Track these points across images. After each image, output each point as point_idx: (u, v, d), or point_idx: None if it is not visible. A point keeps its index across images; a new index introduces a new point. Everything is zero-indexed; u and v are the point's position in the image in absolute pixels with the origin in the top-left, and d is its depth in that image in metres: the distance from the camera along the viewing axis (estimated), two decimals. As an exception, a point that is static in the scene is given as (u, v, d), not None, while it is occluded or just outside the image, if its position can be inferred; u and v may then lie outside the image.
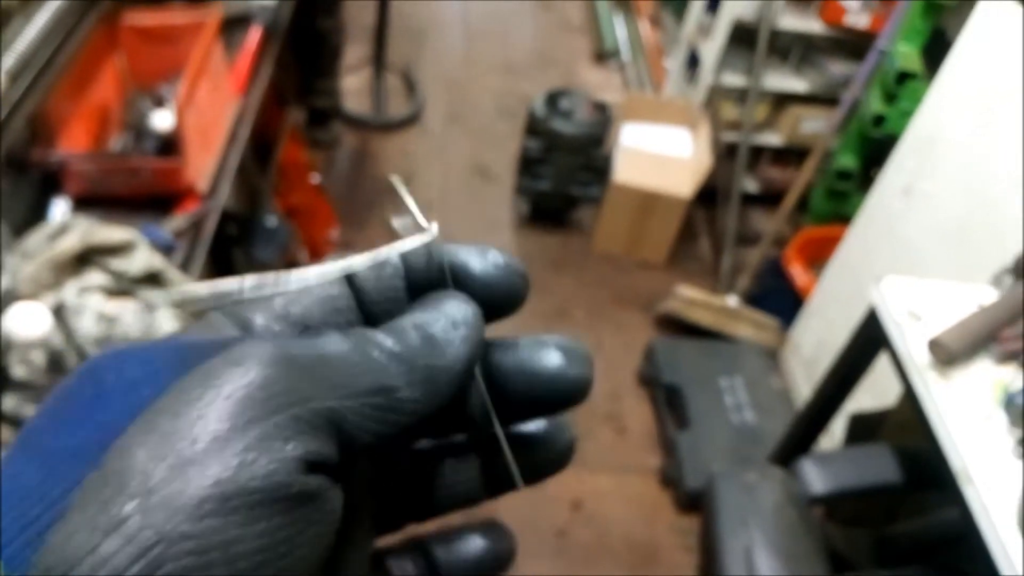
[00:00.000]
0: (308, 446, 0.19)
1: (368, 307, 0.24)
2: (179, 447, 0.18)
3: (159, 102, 1.48)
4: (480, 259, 0.25)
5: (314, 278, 0.24)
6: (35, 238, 1.17)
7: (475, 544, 0.26)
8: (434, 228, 0.25)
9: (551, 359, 0.25)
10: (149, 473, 0.18)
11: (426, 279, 0.25)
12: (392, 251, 0.24)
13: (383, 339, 0.22)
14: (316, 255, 2.41)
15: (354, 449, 0.20)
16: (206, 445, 0.18)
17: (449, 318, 0.23)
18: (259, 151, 2.05)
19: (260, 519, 0.18)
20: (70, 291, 1.11)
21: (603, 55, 3.70)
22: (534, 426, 0.26)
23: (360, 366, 0.21)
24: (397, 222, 0.26)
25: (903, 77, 2.20)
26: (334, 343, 0.21)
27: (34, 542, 0.18)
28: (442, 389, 0.22)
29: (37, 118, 1.32)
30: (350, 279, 0.24)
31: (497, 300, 0.25)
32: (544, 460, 0.26)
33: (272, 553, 0.18)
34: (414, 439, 0.26)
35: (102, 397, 0.20)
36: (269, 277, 0.23)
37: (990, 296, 1.32)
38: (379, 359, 0.21)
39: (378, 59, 3.13)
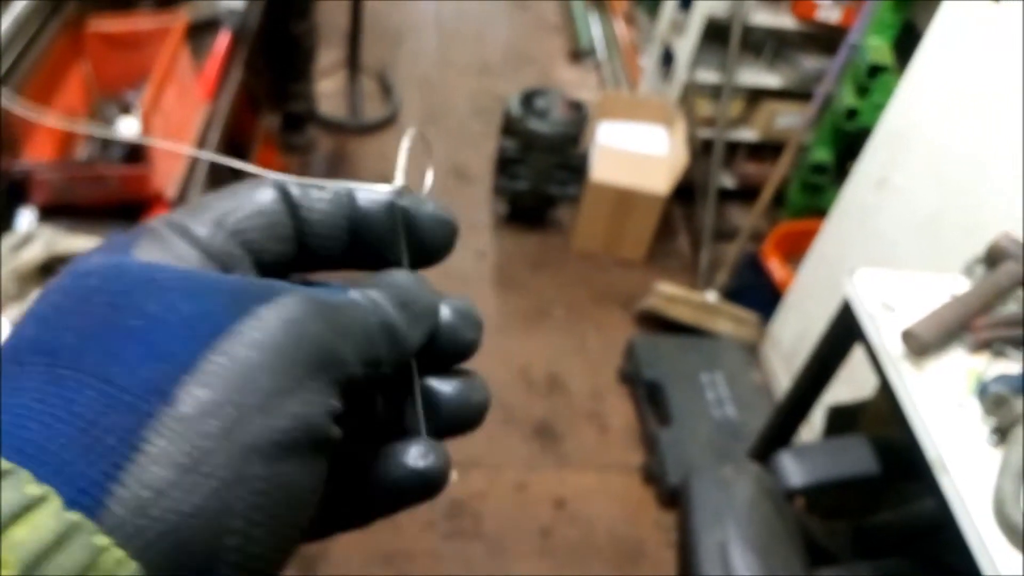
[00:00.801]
0: (336, 400, 0.22)
1: (306, 234, 0.26)
2: (248, 393, 0.19)
3: (126, 109, 1.46)
4: (429, 218, 0.28)
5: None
6: (-1, 249, 1.16)
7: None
8: (398, 183, 0.28)
9: (443, 314, 0.27)
10: (224, 417, 0.19)
11: (372, 224, 0.27)
12: (359, 187, 0.27)
13: (381, 309, 0.24)
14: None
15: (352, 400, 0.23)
16: (270, 395, 0.20)
17: (417, 301, 0.26)
18: (233, 156, 2.03)
19: (308, 462, 0.20)
20: (35, 302, 1.09)
21: (579, 54, 3.70)
22: (449, 385, 0.27)
23: (367, 335, 0.23)
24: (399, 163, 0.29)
25: (874, 71, 2.22)
26: (353, 307, 0.24)
27: (111, 474, 0.17)
28: (401, 367, 0.25)
29: (2, 127, 1.30)
30: (292, 204, 0.26)
31: (434, 249, 0.28)
32: (457, 417, 0.27)
33: (315, 490, 0.21)
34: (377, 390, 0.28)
35: (158, 329, 0.20)
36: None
37: (962, 286, 1.33)
38: (376, 331, 0.24)
39: (353, 62, 3.12)
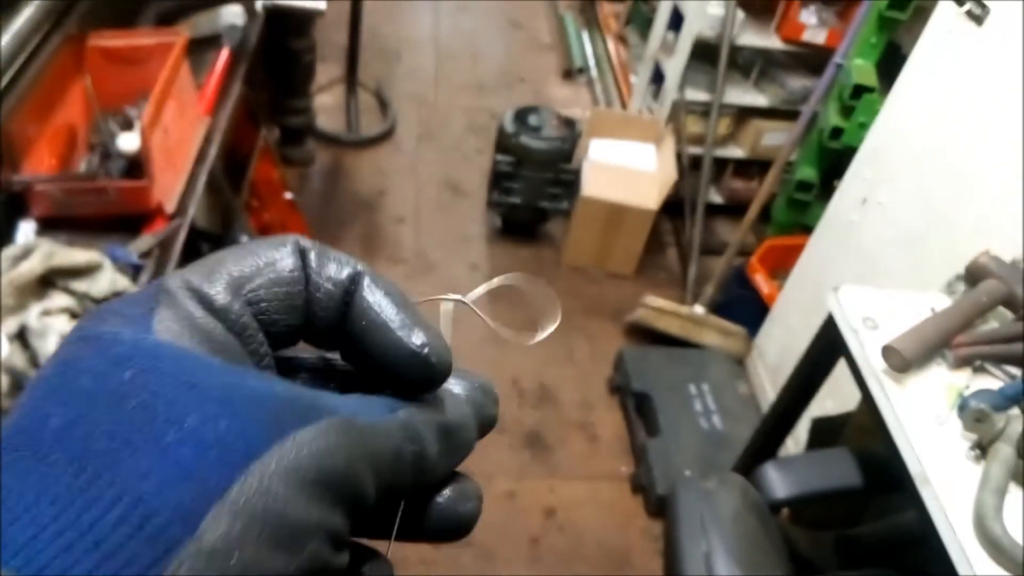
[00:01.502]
0: (346, 532, 0.21)
1: (312, 304, 0.25)
2: (271, 526, 0.19)
3: (126, 123, 1.48)
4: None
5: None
6: (-1, 261, 1.17)
7: None
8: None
9: (417, 338, 0.25)
10: (247, 552, 0.18)
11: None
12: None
13: (421, 438, 0.24)
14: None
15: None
16: (292, 532, 0.19)
17: (458, 433, 0.26)
18: (232, 169, 2.06)
19: None
20: (33, 314, 1.11)
21: (571, 72, 3.75)
22: (441, 497, 0.27)
23: (396, 464, 0.23)
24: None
25: (859, 91, 2.27)
26: (393, 432, 0.23)
27: None
28: (457, 464, 0.26)
29: (2, 140, 1.32)
30: (309, 269, 0.25)
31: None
32: (444, 526, 0.27)
33: None
34: None
35: (193, 448, 0.19)
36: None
37: (943, 303, 1.36)
38: (409, 461, 0.24)
39: (351, 78, 3.16)
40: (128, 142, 1.41)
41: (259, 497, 0.19)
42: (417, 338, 0.25)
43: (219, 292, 0.23)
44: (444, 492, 0.27)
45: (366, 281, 0.25)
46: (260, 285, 0.24)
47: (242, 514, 0.18)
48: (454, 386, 0.28)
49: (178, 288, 0.23)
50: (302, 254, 0.25)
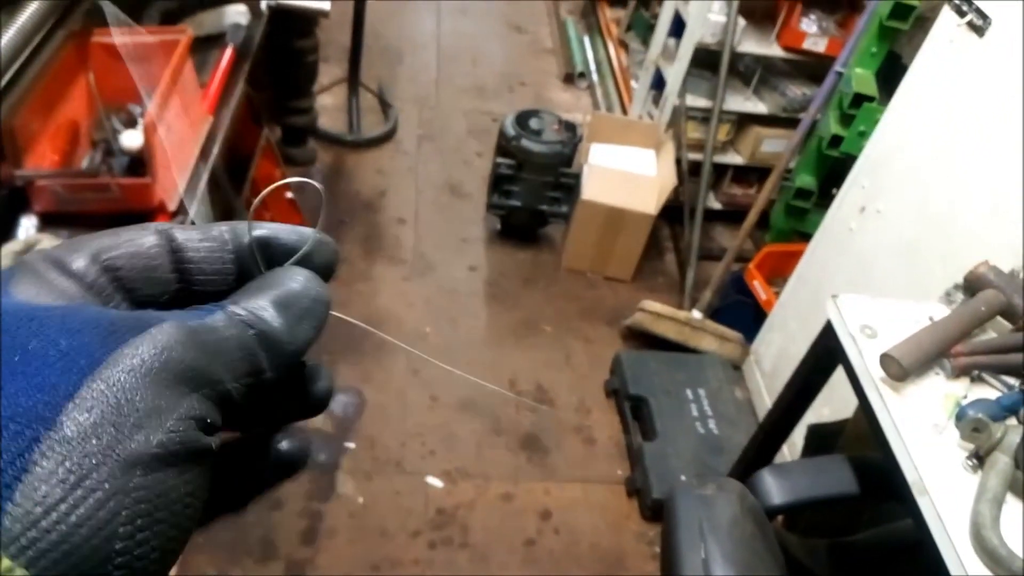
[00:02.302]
0: (211, 414, 0.24)
1: (192, 273, 0.28)
2: (126, 414, 0.21)
3: (130, 120, 1.48)
4: (292, 235, 0.30)
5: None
6: None
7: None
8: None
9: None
10: (105, 435, 0.21)
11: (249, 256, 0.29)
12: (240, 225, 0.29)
13: (254, 320, 0.26)
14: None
15: (231, 410, 0.25)
16: (146, 414, 0.22)
17: (301, 297, 0.28)
18: (234, 168, 2.06)
19: (186, 471, 0.23)
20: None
21: (572, 76, 3.76)
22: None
23: (242, 350, 0.26)
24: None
25: (859, 100, 2.28)
26: (222, 325, 0.26)
27: (3, 494, 0.19)
28: (289, 366, 0.28)
29: (4, 135, 1.31)
30: (175, 248, 0.28)
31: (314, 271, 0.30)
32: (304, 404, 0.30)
33: (194, 496, 0.23)
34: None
35: (38, 363, 0.22)
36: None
37: (941, 312, 1.37)
38: (253, 343, 0.26)
39: (353, 79, 3.16)
40: (131, 139, 1.41)
41: (108, 391, 0.21)
42: (307, 230, 0.30)
43: (75, 258, 0.26)
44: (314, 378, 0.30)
45: (236, 224, 0.29)
46: (118, 256, 0.27)
47: (95, 407, 0.21)
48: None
49: (37, 259, 0.26)
50: (166, 233, 0.28)
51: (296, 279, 0.28)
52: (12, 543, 0.19)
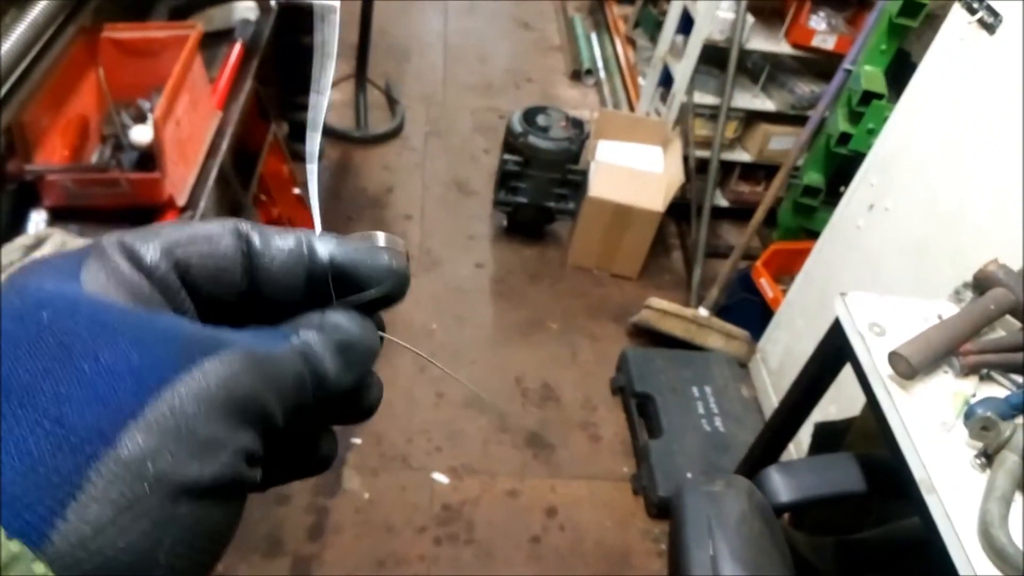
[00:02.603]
0: (258, 448, 0.24)
1: (263, 281, 0.28)
2: (184, 442, 0.21)
3: (139, 116, 1.49)
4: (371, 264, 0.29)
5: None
6: (8, 250, 1.18)
7: None
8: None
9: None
10: (161, 462, 0.21)
11: (322, 276, 0.29)
12: (321, 236, 0.29)
13: (316, 359, 0.27)
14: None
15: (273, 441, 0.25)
16: (204, 445, 0.22)
17: (358, 346, 0.28)
18: (242, 164, 2.06)
19: (232, 503, 0.23)
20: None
21: (580, 73, 3.76)
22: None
23: (298, 386, 0.26)
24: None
25: (868, 97, 2.27)
26: (288, 358, 0.26)
27: (55, 510, 0.19)
28: (361, 376, 0.28)
29: (15, 130, 1.32)
30: (251, 253, 0.27)
31: (385, 299, 0.30)
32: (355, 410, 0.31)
33: (231, 526, 0.23)
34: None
35: (107, 376, 0.21)
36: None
37: (950, 311, 1.36)
38: (308, 381, 0.26)
39: (360, 75, 3.16)
40: (141, 134, 1.41)
41: (171, 416, 0.21)
42: (385, 257, 0.29)
43: (149, 251, 0.26)
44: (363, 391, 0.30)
45: (314, 239, 0.28)
46: (192, 253, 0.26)
47: (156, 431, 0.21)
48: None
49: (111, 244, 0.26)
50: (244, 237, 0.27)
51: (360, 326, 0.28)
52: (58, 560, 0.19)
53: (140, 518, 0.20)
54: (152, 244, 0.26)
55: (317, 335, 0.27)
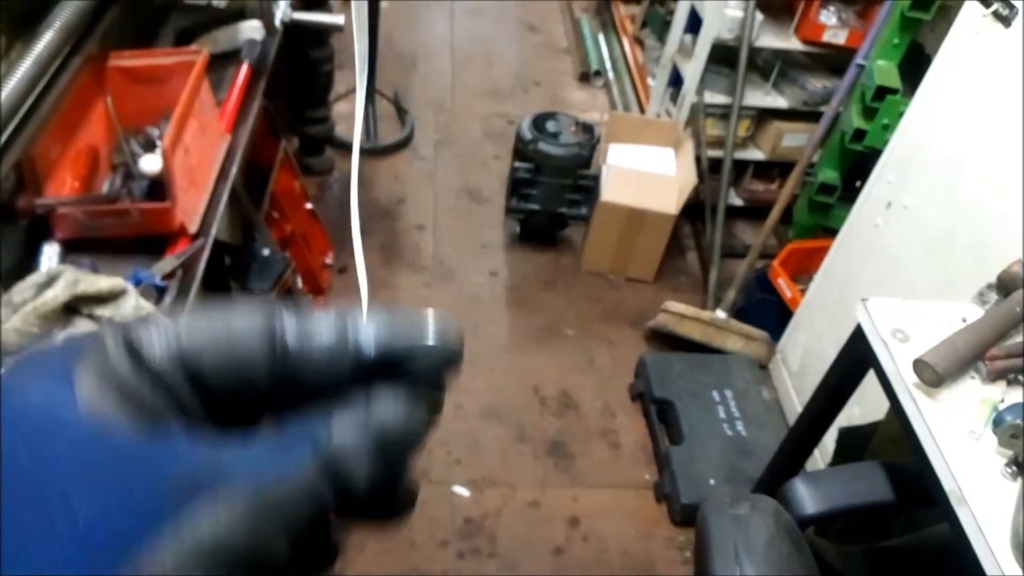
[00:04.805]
0: None
1: (298, 377, 0.25)
2: None
3: (148, 144, 1.49)
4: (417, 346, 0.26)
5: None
6: (21, 288, 1.17)
7: None
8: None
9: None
10: None
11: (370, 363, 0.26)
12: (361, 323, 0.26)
13: (343, 473, 0.23)
14: (311, 281, 2.42)
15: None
16: None
17: (398, 443, 0.24)
18: (253, 181, 2.06)
19: None
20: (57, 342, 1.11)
21: (588, 75, 3.74)
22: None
23: (314, 507, 0.23)
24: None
25: (882, 92, 2.23)
26: (306, 481, 0.23)
27: None
28: (400, 471, 0.25)
29: (24, 164, 1.32)
30: (285, 351, 0.25)
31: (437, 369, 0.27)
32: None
33: None
34: None
35: (78, 531, 0.19)
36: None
37: (975, 313, 1.33)
38: (328, 499, 0.23)
39: (368, 86, 3.16)
40: (150, 163, 1.41)
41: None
42: (429, 332, 0.26)
43: (156, 351, 0.23)
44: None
45: (359, 329, 0.25)
46: (207, 356, 0.24)
47: None
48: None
49: (112, 339, 0.23)
50: (279, 339, 0.25)
51: (408, 411, 0.25)
52: None
53: None
54: (160, 343, 0.23)
55: (355, 432, 0.24)
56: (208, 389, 0.24)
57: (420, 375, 0.26)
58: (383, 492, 0.25)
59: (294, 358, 0.25)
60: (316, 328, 0.25)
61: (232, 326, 0.25)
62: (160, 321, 0.24)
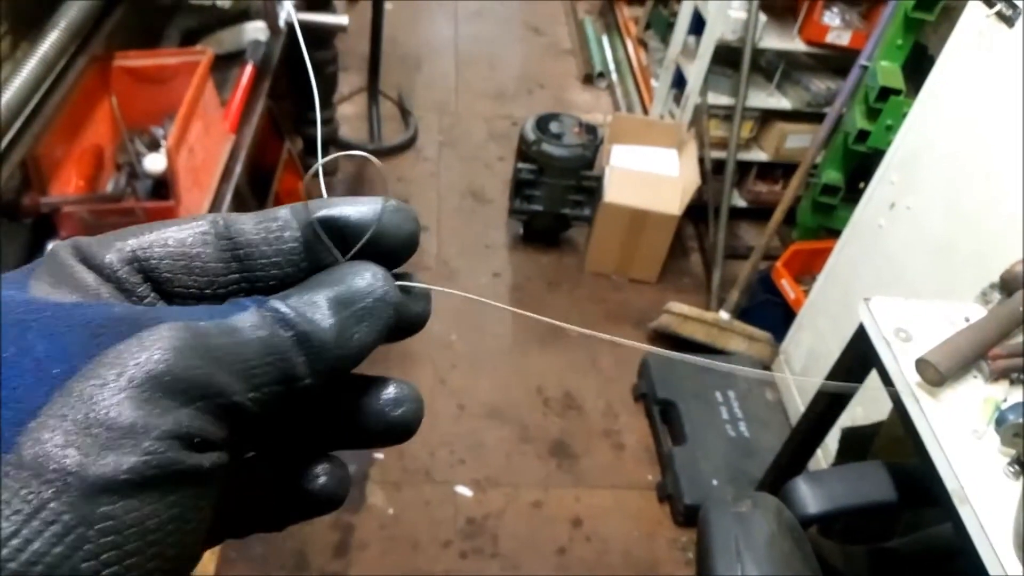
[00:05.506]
0: (207, 430, 0.21)
1: (249, 260, 0.25)
2: (95, 434, 0.19)
3: (153, 143, 1.49)
4: (360, 209, 0.26)
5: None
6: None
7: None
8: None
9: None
10: (65, 459, 0.18)
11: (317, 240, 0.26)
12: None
13: (295, 319, 0.23)
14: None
15: (246, 422, 0.22)
16: (121, 433, 0.19)
17: (362, 297, 0.24)
18: (257, 182, 2.07)
19: (170, 495, 0.20)
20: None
21: (592, 77, 3.74)
22: (377, 396, 0.27)
23: (270, 353, 0.22)
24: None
25: (885, 93, 2.23)
26: (247, 325, 0.22)
27: None
28: (341, 375, 0.24)
29: (29, 163, 1.33)
30: (228, 231, 0.25)
31: (392, 248, 0.27)
32: (380, 431, 0.27)
33: (184, 522, 0.20)
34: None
35: (9, 373, 0.19)
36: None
37: (977, 313, 1.33)
38: (288, 346, 0.23)
39: (372, 87, 3.17)
40: (154, 163, 1.42)
41: (77, 406, 0.19)
42: (380, 208, 0.26)
43: (103, 249, 0.24)
44: (375, 398, 0.26)
45: (314, 205, 0.26)
46: (152, 245, 0.24)
47: (60, 426, 0.19)
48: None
49: (64, 248, 0.24)
50: (216, 223, 0.25)
51: (362, 275, 0.25)
52: None
53: (48, 526, 0.18)
54: (108, 243, 0.24)
55: (308, 292, 0.24)
56: (172, 292, 0.25)
57: (379, 253, 0.26)
58: (353, 356, 0.24)
59: (241, 235, 0.25)
60: (262, 213, 0.26)
61: (176, 222, 0.25)
62: (111, 232, 0.25)
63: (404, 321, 0.27)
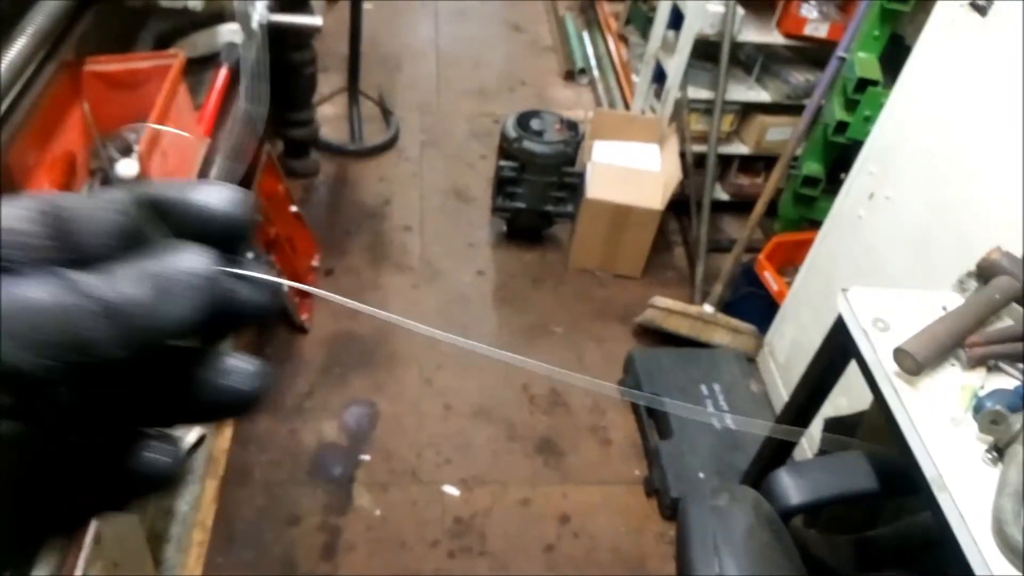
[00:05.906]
0: None
1: (81, 243, 0.24)
2: None
3: (125, 148, 1.48)
4: (197, 194, 0.26)
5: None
6: None
7: None
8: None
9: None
10: None
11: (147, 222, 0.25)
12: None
13: (100, 288, 0.22)
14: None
15: (38, 391, 0.22)
16: None
17: (176, 273, 0.24)
18: (236, 185, 2.05)
19: None
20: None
21: (573, 73, 3.74)
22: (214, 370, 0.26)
23: (62, 322, 0.22)
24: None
25: (863, 84, 2.24)
26: (41, 294, 0.22)
27: None
28: (153, 347, 0.23)
29: (1, 170, 1.31)
30: (57, 215, 0.24)
31: (224, 233, 0.26)
32: (211, 406, 0.27)
33: None
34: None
35: None
36: None
37: (955, 301, 1.34)
38: (86, 316, 0.22)
39: (352, 88, 3.16)
40: (127, 168, 1.40)
41: None
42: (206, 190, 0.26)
43: None
44: (207, 368, 0.26)
45: (150, 187, 0.25)
46: None
47: None
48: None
49: None
50: (40, 199, 0.24)
51: (180, 254, 0.24)
52: None
53: None
54: None
55: (115, 267, 0.23)
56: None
57: (212, 239, 0.26)
58: (165, 329, 0.23)
59: (66, 212, 0.24)
60: (96, 192, 0.25)
61: (7, 200, 0.24)
62: None
63: (237, 306, 0.26)
